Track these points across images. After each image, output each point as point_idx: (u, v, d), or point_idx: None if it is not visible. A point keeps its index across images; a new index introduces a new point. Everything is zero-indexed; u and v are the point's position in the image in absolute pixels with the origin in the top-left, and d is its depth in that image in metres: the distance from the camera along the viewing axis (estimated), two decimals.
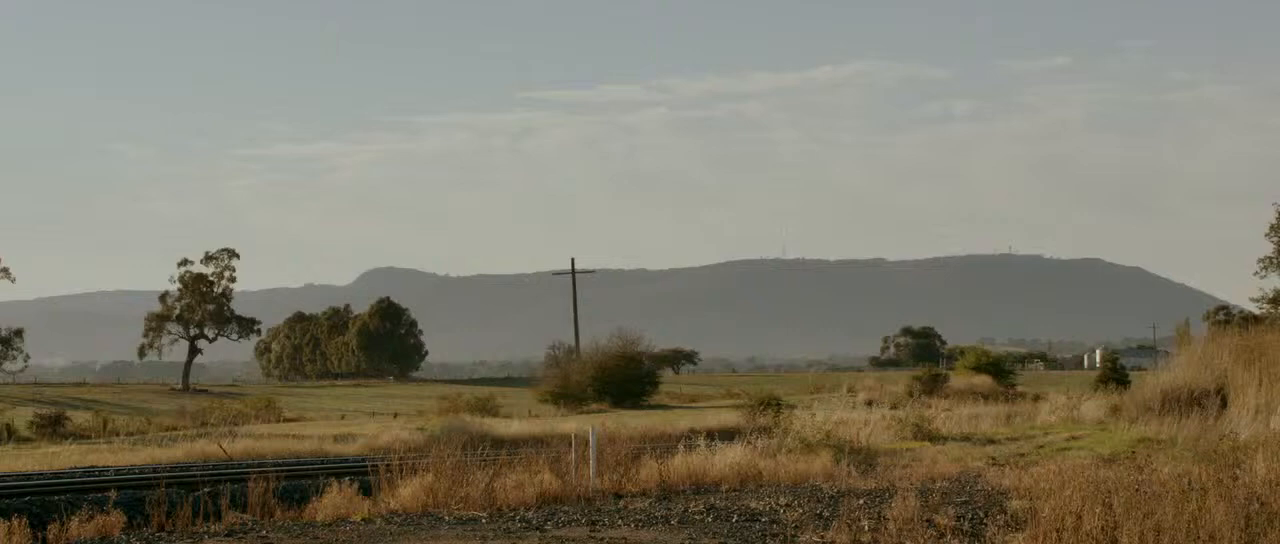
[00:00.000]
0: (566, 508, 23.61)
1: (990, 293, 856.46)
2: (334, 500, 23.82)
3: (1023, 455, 36.58)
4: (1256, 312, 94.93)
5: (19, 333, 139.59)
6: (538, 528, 20.28)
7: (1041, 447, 40.44)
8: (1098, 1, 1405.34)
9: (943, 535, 18.79)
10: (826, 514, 21.43)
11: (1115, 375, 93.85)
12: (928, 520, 19.95)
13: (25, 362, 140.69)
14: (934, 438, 45.20)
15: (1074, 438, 43.04)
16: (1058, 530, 16.20)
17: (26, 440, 75.50)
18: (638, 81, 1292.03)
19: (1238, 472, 22.17)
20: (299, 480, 31.16)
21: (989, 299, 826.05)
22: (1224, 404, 42.97)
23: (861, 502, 23.31)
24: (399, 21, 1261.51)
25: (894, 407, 50.92)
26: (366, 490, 25.33)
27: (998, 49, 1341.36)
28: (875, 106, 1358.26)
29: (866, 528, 19.26)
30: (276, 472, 29.21)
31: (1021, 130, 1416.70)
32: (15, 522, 19.02)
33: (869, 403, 53.30)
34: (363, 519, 21.96)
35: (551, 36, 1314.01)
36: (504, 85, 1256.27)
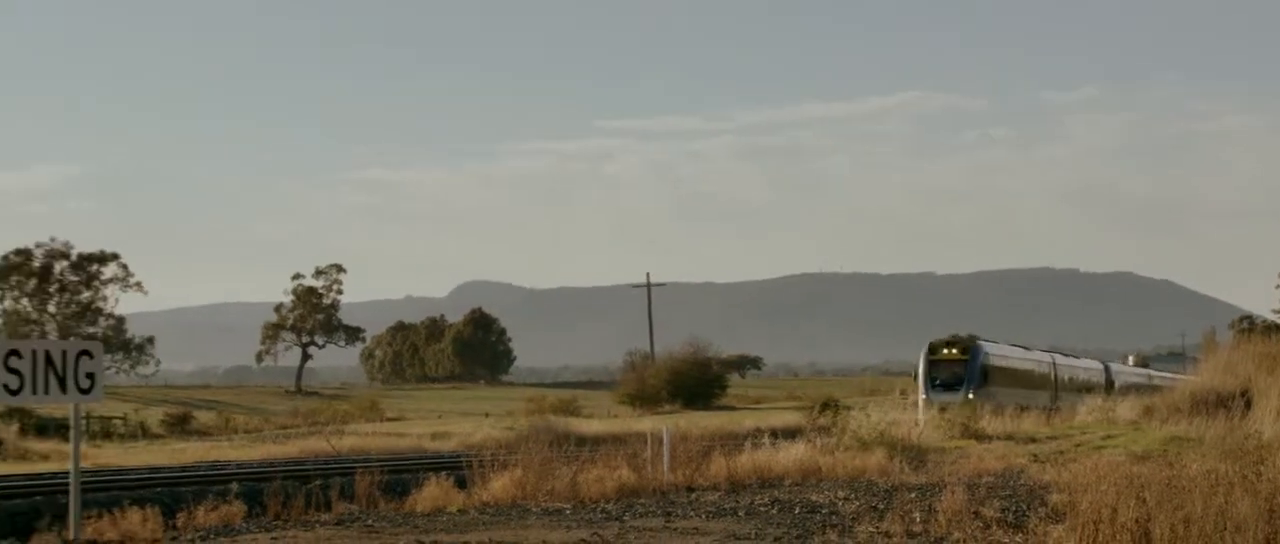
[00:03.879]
0: (643, 500, 23.59)
1: (1030, 303, 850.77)
2: (432, 493, 23.86)
3: (1062, 453, 36.26)
4: (1278, 321, 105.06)
5: (151, 340, 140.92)
6: (617, 518, 20.26)
7: (1079, 445, 40.14)
8: (1125, 37, 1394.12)
9: (988, 527, 18.66)
10: (881, 507, 21.32)
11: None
12: (974, 513, 19.82)
13: (156, 366, 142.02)
14: (980, 437, 44.88)
15: (1109, 437, 42.70)
16: (1095, 522, 16.04)
17: (158, 437, 76.16)
18: (703, 112, 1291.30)
19: (1261, 468, 21.88)
20: (400, 474, 31.24)
21: (1029, 309, 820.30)
22: (1248, 406, 42.62)
23: (913, 495, 23.18)
24: (482, 56, 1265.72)
25: (942, 408, 50.70)
26: (461, 484, 25.36)
27: (1032, 81, 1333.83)
28: (919, 134, 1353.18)
29: (918, 519, 19.17)
30: (380, 466, 29.22)
31: (1056, 156, 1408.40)
32: (148, 511, 19.14)
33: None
34: (458, 510, 22.00)
35: (625, 71, 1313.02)
36: (581, 115, 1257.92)
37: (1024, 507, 21.39)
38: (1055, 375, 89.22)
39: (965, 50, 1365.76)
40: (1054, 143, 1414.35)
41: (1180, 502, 16.18)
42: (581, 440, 47.55)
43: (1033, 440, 42.63)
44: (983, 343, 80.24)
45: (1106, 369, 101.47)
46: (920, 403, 68.61)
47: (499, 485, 24.86)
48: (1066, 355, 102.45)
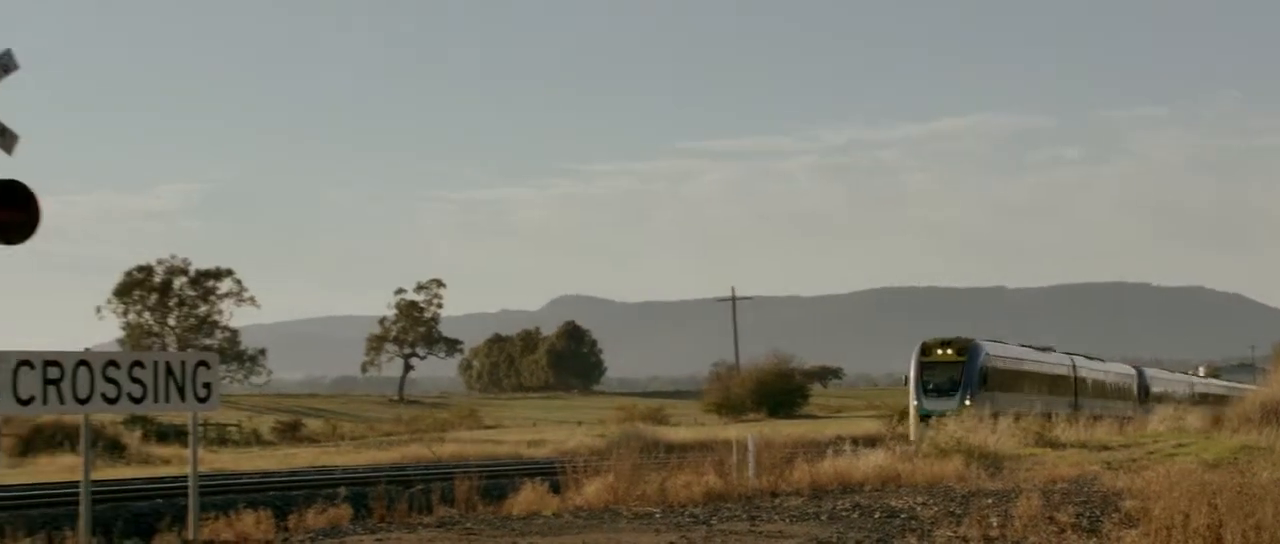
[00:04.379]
0: (729, 505, 23.55)
1: (1102, 316, 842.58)
2: (528, 497, 23.93)
3: (1134, 460, 35.92)
4: None
5: (263, 352, 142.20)
6: (705, 522, 20.24)
7: (1151, 453, 39.75)
8: (1189, 56, 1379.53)
9: (1063, 531, 18.50)
10: (959, 512, 21.18)
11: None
12: (1050, 518, 19.67)
13: (268, 376, 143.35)
14: (1054, 445, 44.57)
15: (1181, 445, 42.30)
16: (1167, 528, 15.87)
17: (270, 444, 76.83)
18: (784, 133, 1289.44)
19: None
20: (498, 479, 31.34)
21: (1101, 322, 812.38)
22: None
23: (990, 501, 23.01)
24: (572, 81, 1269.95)
25: (1018, 417, 50.23)
26: (556, 489, 25.41)
27: (1098, 100, 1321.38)
28: (991, 153, 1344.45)
29: (995, 524, 19.03)
30: (478, 472, 29.37)
31: (1125, 173, 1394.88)
32: (261, 513, 19.32)
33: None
34: (553, 514, 22.04)
35: (715, 92, 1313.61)
36: (664, 136, 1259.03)
37: (1098, 512, 21.19)
38: (1075, 379, 79.61)
39: (1034, 73, 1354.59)
40: (1122, 160, 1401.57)
41: (1251, 509, 15.98)
42: (670, 448, 47.55)
43: (1106, 448, 42.30)
44: (983, 342, 70.23)
45: (1140, 374, 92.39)
46: (911, 411, 64.70)
47: (591, 490, 24.89)
48: (1091, 358, 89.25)
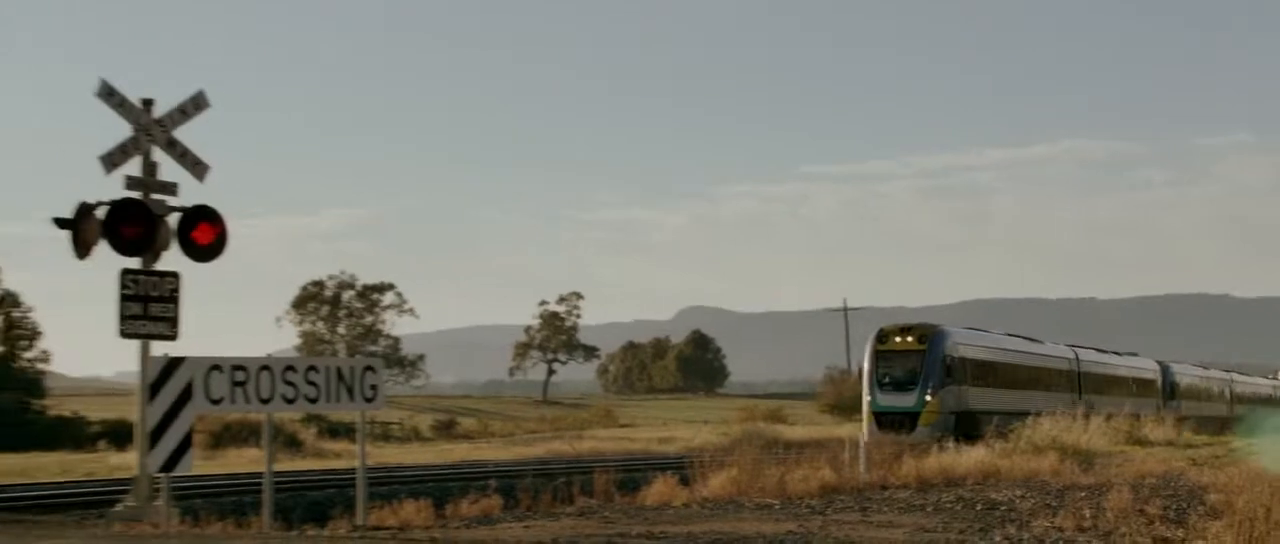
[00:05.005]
0: (842, 497, 23.38)
1: (1187, 325, 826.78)
2: (659, 489, 23.90)
3: (1218, 458, 35.23)
4: None
5: (421, 357, 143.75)
6: (820, 513, 20.12)
7: (1234, 450, 38.95)
8: (1273, 84, 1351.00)
9: (1152, 523, 18.16)
10: (1055, 504, 20.86)
11: None
12: (1139, 510, 19.32)
13: (426, 379, 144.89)
14: (1143, 443, 43.88)
15: None
16: (1250, 519, 15.53)
17: (428, 440, 77.50)
18: (891, 158, 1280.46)
19: None
20: (632, 473, 31.31)
21: (1186, 330, 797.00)
22: None
23: (1083, 494, 22.65)
24: (698, 114, 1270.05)
25: (1109, 417, 49.27)
26: (685, 482, 25.35)
27: (1185, 128, 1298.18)
28: (1083, 176, 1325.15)
29: (1088, 516, 18.73)
30: (614, 466, 29.36)
31: (1210, 193, 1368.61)
32: (421, 502, 19.48)
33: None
34: (682, 504, 22.01)
35: (829, 122, 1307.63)
36: (785, 161, 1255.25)
37: (1184, 505, 20.78)
38: (1079, 374, 66.01)
39: (1124, 100, 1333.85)
40: (1206, 182, 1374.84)
41: None
42: (788, 445, 47.21)
43: (1191, 446, 41.59)
44: (950, 329, 56.40)
45: (1165, 371, 78.88)
46: (864, 407, 53.50)
47: (717, 483, 24.83)
48: (1102, 351, 74.96)
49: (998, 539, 16.56)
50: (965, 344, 55.86)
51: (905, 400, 51.88)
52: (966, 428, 50.11)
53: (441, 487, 28.24)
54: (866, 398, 53.22)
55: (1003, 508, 20.84)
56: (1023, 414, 50.72)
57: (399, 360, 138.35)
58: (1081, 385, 65.56)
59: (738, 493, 23.88)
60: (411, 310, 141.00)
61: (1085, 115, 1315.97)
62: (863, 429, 50.75)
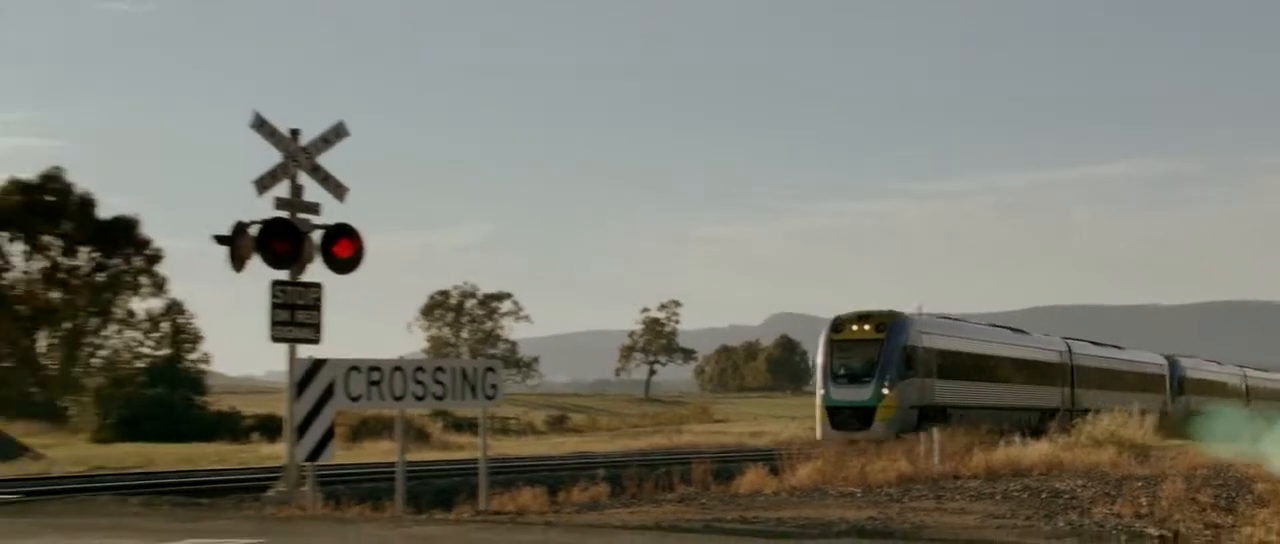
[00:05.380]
0: (918, 486, 23.22)
1: (1248, 330, 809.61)
2: (751, 479, 23.88)
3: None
4: None
5: (536, 359, 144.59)
6: (898, 500, 19.99)
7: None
8: None
9: (1204, 510, 17.87)
10: (1113, 493, 20.58)
11: None
12: (1192, 498, 19.03)
13: (540, 379, 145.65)
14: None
15: None
16: None
17: (541, 433, 77.82)
18: (971, 178, 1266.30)
19: None
20: (726, 464, 31.26)
21: (1247, 335, 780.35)
22: None
23: (1140, 484, 22.32)
24: (798, 130, 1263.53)
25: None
26: (774, 472, 25.30)
27: (1242, 148, 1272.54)
28: (1145, 193, 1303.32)
29: (1145, 503, 18.47)
30: (710, 458, 29.39)
31: (1270, 209, 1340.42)
32: (536, 489, 19.61)
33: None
34: (772, 492, 21.96)
35: (909, 140, 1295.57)
36: (871, 180, 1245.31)
37: (1234, 494, 20.43)
38: (1072, 368, 57.28)
39: (1186, 122, 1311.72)
40: (1266, 198, 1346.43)
41: None
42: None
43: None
44: (915, 316, 47.47)
45: (1172, 366, 69.62)
46: (817, 402, 46.40)
47: (803, 473, 24.75)
48: (1099, 345, 65.01)
49: (1061, 524, 16.37)
50: (932, 333, 47.46)
51: (860, 394, 44.11)
52: (934, 425, 42.16)
53: (554, 476, 28.37)
54: (819, 392, 45.86)
55: (1066, 496, 20.60)
56: (1003, 410, 46.35)
57: (516, 362, 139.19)
58: (1075, 379, 57.59)
59: (822, 482, 23.80)
60: (527, 316, 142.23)
61: (1150, 135, 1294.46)
62: (816, 426, 45.80)
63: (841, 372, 45.25)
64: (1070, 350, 58.71)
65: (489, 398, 18.80)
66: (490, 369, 19.04)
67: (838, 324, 46.22)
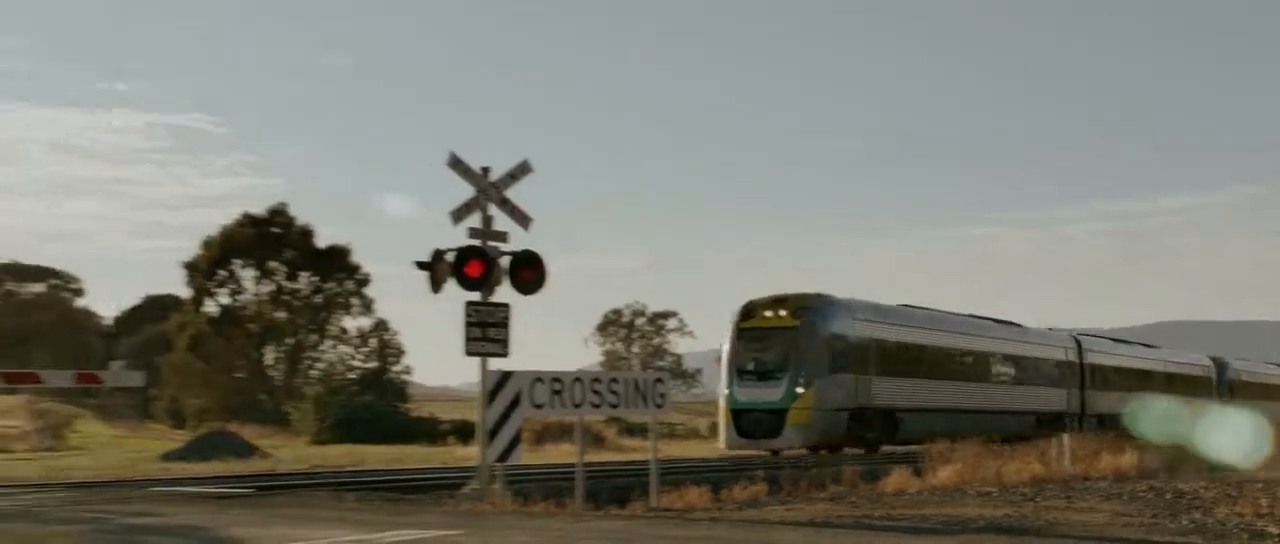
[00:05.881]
0: (1050, 486, 22.60)
1: None
2: (896, 479, 23.45)
3: None
4: None
5: (699, 371, 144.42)
6: (1031, 499, 19.50)
7: None
8: None
9: None
10: (1234, 494, 19.77)
11: None
12: None
13: (702, 388, 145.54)
14: None
15: None
16: None
17: (704, 438, 77.56)
18: (1080, 205, 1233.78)
19: None
20: (872, 466, 30.81)
21: None
22: None
23: (1259, 485, 21.41)
24: (896, 165, 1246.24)
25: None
26: (917, 473, 24.85)
27: None
28: (1247, 218, 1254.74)
29: (1264, 504, 17.71)
30: (858, 460, 28.99)
31: None
32: (701, 488, 19.55)
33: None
34: (915, 492, 21.60)
35: (1016, 172, 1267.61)
36: (979, 208, 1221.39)
37: None
38: (1083, 366, 46.54)
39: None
40: None
41: None
42: (1003, 441, 45.73)
43: None
44: (845, 300, 36.32)
45: (1221, 367, 58.66)
46: (721, 403, 35.87)
47: (944, 475, 24.26)
48: (1123, 341, 53.74)
49: (1185, 523, 15.81)
50: (871, 320, 36.01)
51: (768, 394, 33.94)
52: (874, 430, 35.76)
53: (717, 476, 28.27)
54: (722, 392, 35.29)
55: (1189, 497, 19.86)
56: (981, 414, 37.52)
57: (681, 373, 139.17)
58: (1087, 380, 46.51)
59: (962, 482, 23.32)
60: (691, 332, 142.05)
61: (1251, 162, 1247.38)
62: (720, 434, 36.13)
63: (750, 367, 34.74)
64: (1080, 347, 47.44)
65: (657, 406, 18.87)
66: (658, 380, 19.14)
67: (748, 309, 35.43)
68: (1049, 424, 42.14)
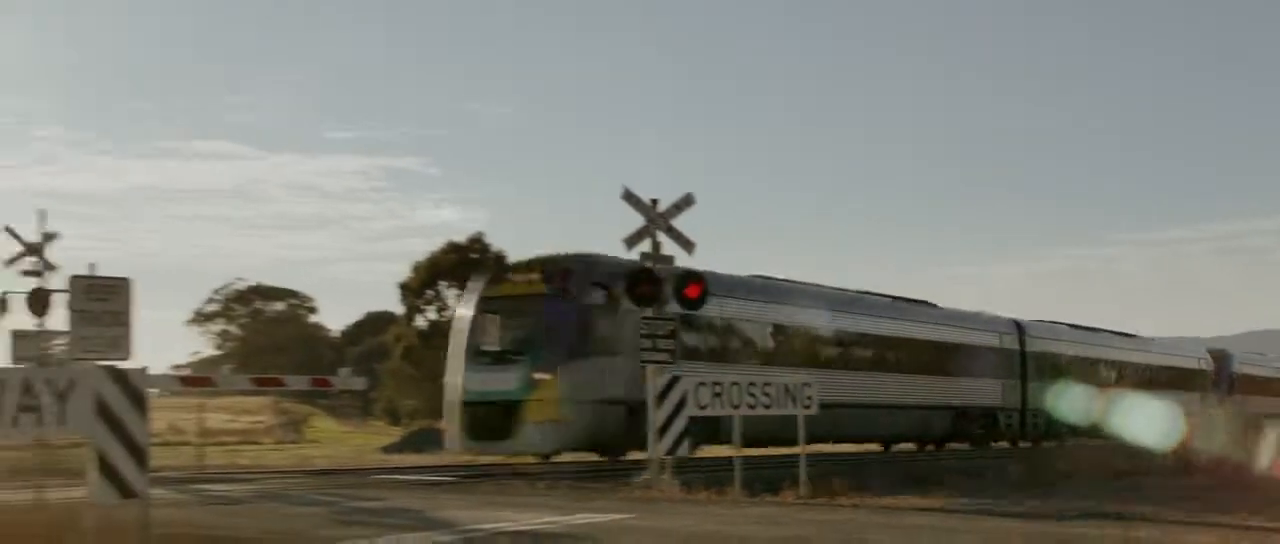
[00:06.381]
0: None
1: None
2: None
3: None
4: None
5: None
6: None
7: None
8: None
9: None
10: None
11: None
12: None
13: None
14: None
15: None
16: None
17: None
18: (1195, 227, 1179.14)
19: None
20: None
21: None
22: None
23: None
24: (1021, 188, 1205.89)
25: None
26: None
27: None
28: None
29: None
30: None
31: None
32: (845, 479, 19.53)
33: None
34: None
35: (1134, 196, 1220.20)
36: (1098, 229, 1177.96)
37: None
38: (1023, 355, 36.47)
39: None
40: None
41: None
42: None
43: None
44: (619, 261, 22.02)
45: (1221, 361, 48.70)
46: (446, 398, 24.40)
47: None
48: (1085, 328, 41.57)
49: None
50: (605, 272, 24.12)
51: (507, 381, 23.13)
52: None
53: (860, 467, 28.02)
54: (448, 379, 24.24)
55: None
56: (855, 409, 28.05)
57: None
58: (1029, 371, 36.22)
59: None
60: None
61: None
62: (447, 434, 24.54)
63: (486, 348, 23.76)
64: (1022, 331, 36.67)
65: (805, 407, 19.08)
66: (806, 384, 19.33)
67: (495, 274, 25.37)
68: (978, 422, 34.77)
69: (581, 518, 14.23)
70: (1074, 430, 35.11)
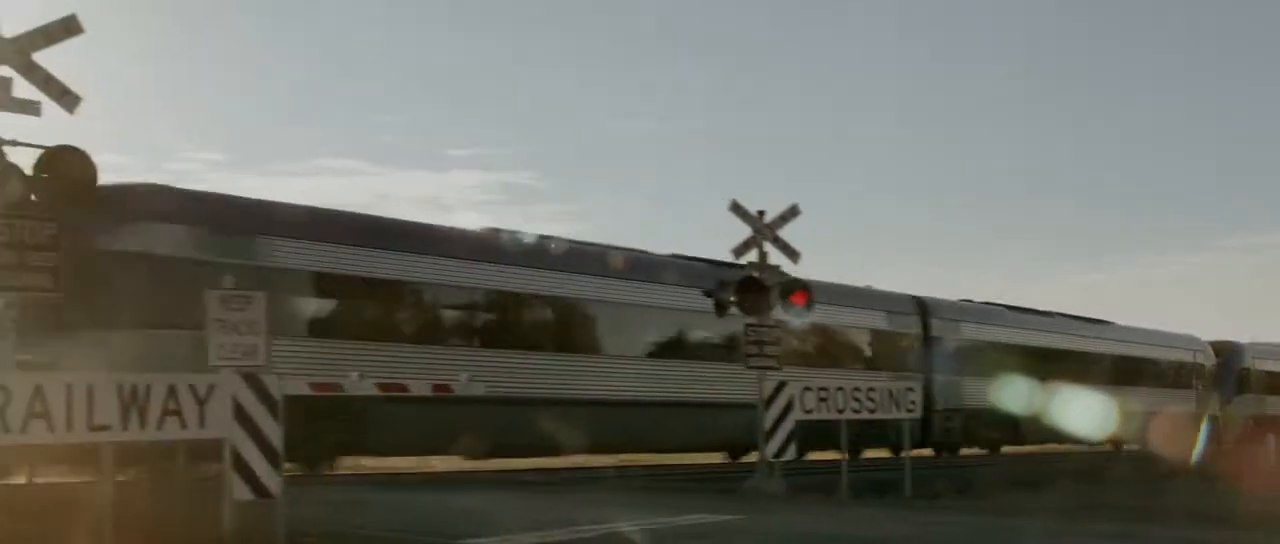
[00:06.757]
0: None
1: None
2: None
3: None
4: None
5: None
6: None
7: None
8: None
9: None
10: None
11: None
12: None
13: None
14: None
15: None
16: None
17: None
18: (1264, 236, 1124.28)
19: None
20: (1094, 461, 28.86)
21: None
22: None
23: None
24: (1120, 196, 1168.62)
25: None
26: None
27: None
28: None
29: None
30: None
31: None
32: (946, 482, 19.02)
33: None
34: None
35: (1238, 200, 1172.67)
36: (1198, 235, 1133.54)
37: None
38: (929, 340, 28.60)
39: None
40: None
41: None
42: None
43: None
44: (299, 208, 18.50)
45: (1231, 354, 38.54)
46: None
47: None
48: (1045, 314, 32.83)
49: None
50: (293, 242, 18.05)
51: None
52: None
53: (962, 472, 27.25)
54: None
55: None
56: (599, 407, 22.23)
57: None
58: (935, 363, 28.35)
59: None
60: None
61: None
62: None
63: None
64: (925, 310, 28.81)
65: (908, 411, 18.57)
66: (909, 389, 18.86)
67: None
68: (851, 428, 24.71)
69: (691, 519, 13.96)
70: (996, 437, 29.49)
